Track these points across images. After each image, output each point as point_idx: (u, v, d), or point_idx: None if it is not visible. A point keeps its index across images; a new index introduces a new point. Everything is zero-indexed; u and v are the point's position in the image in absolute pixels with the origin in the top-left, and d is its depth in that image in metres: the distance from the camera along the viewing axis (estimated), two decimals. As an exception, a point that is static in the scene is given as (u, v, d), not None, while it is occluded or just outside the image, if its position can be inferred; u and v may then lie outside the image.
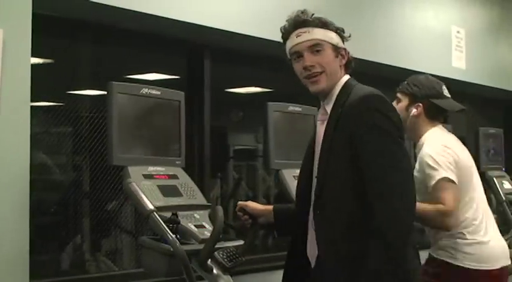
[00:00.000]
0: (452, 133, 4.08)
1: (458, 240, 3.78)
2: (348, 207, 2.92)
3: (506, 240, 5.13)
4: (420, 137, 3.93)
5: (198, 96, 5.18)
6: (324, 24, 3.07)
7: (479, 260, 3.78)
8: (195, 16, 4.68)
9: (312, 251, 3.04)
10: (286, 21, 3.10)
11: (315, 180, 3.05)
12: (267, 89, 8.67)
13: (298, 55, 3.05)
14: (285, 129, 4.48)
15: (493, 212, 4.13)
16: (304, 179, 3.19)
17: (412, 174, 2.97)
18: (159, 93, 3.73)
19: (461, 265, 3.76)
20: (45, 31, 4.01)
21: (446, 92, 4.02)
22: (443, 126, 4.03)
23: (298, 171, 4.33)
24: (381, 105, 2.93)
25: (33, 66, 3.79)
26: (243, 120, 9.59)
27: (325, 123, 3.04)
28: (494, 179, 5.84)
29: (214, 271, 3.37)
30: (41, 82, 3.86)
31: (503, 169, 6.22)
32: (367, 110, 2.90)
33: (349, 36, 3.13)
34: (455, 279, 3.80)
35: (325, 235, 2.97)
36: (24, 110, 3.73)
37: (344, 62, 3.09)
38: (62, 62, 5.83)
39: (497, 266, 3.84)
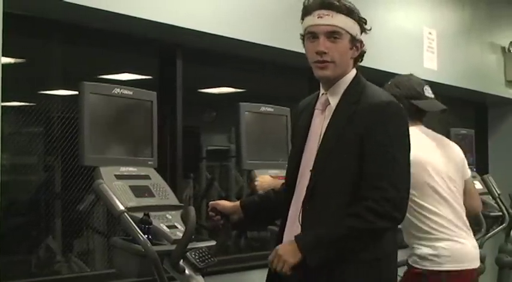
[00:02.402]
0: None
1: (436, 244, 3.79)
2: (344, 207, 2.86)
3: (477, 239, 5.17)
4: None
5: (171, 96, 5.16)
6: (349, 11, 2.99)
7: (457, 261, 3.80)
8: (167, 16, 4.67)
9: None
10: None
11: (307, 174, 2.97)
12: (240, 89, 8.69)
13: (314, 36, 2.96)
14: (257, 129, 4.48)
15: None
16: (291, 169, 3.11)
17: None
18: (131, 93, 3.71)
19: (444, 269, 3.77)
20: (16, 30, 3.97)
21: (428, 93, 4.05)
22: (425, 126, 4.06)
23: (270, 171, 4.38)
24: (403, 117, 2.98)
25: (4, 65, 3.75)
26: (216, 120, 9.60)
27: (329, 114, 2.99)
28: (466, 179, 5.86)
29: (187, 272, 3.36)
30: (12, 82, 3.83)
31: (474, 169, 6.26)
32: (390, 118, 2.91)
33: (370, 29, 3.07)
34: None
35: None
36: (-5, 110, 3.70)
37: (356, 54, 3.04)
38: (34, 61, 5.80)
39: (473, 266, 3.87)
